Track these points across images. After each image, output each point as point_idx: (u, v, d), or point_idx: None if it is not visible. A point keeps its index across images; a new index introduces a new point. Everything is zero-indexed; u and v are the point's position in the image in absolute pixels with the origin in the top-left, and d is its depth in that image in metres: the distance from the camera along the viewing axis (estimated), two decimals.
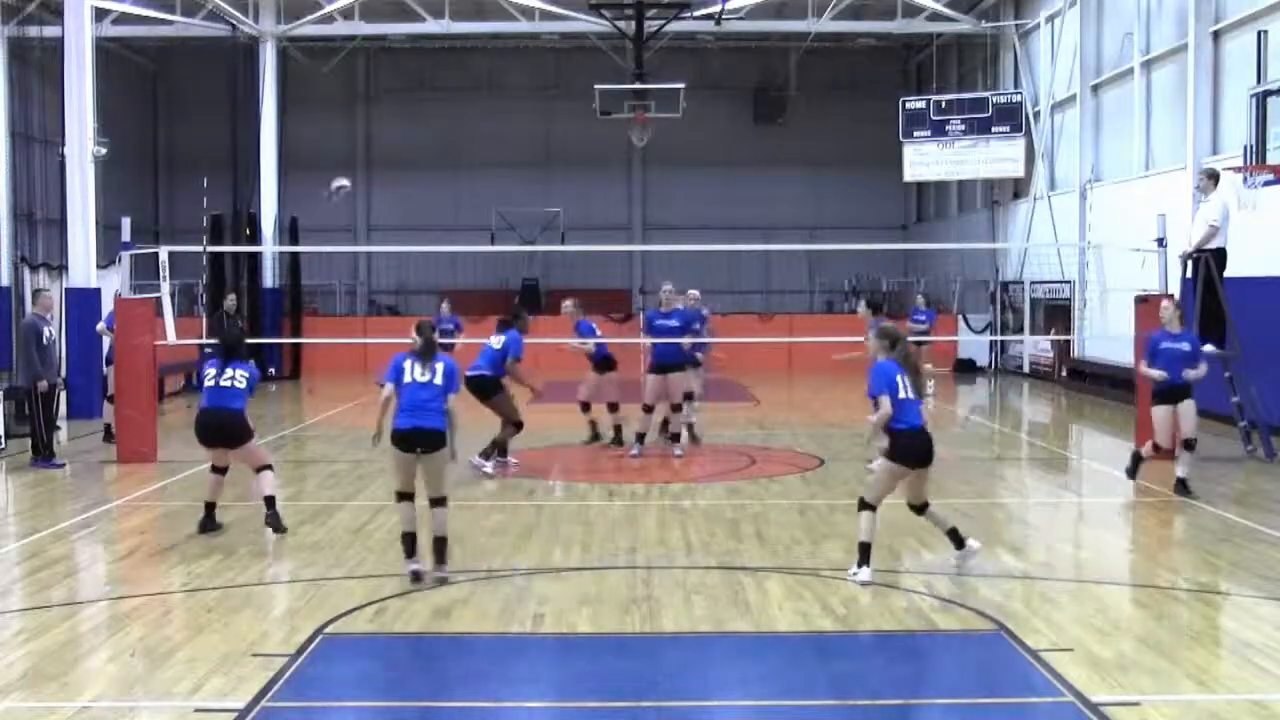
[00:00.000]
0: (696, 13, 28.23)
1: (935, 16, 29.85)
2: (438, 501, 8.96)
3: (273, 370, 28.04)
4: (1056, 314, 26.49)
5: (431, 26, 29.94)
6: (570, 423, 18.63)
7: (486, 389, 13.85)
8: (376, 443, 9.28)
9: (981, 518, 11.40)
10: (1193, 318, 14.99)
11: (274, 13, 30.17)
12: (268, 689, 6.53)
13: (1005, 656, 7.18)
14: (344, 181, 19.51)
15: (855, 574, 8.76)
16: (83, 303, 19.19)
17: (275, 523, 10.46)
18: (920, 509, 9.05)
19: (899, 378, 8.74)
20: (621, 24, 27.30)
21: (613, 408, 15.82)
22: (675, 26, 28.44)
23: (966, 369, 29.18)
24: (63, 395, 17.45)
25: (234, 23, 28.68)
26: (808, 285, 35.93)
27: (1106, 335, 22.27)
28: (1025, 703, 6.51)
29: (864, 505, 8.86)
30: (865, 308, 14.51)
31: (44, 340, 14.59)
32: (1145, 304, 15.20)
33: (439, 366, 9.04)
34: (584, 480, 13.75)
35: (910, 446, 8.72)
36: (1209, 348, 14.90)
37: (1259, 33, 17.98)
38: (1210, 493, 12.44)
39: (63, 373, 18.31)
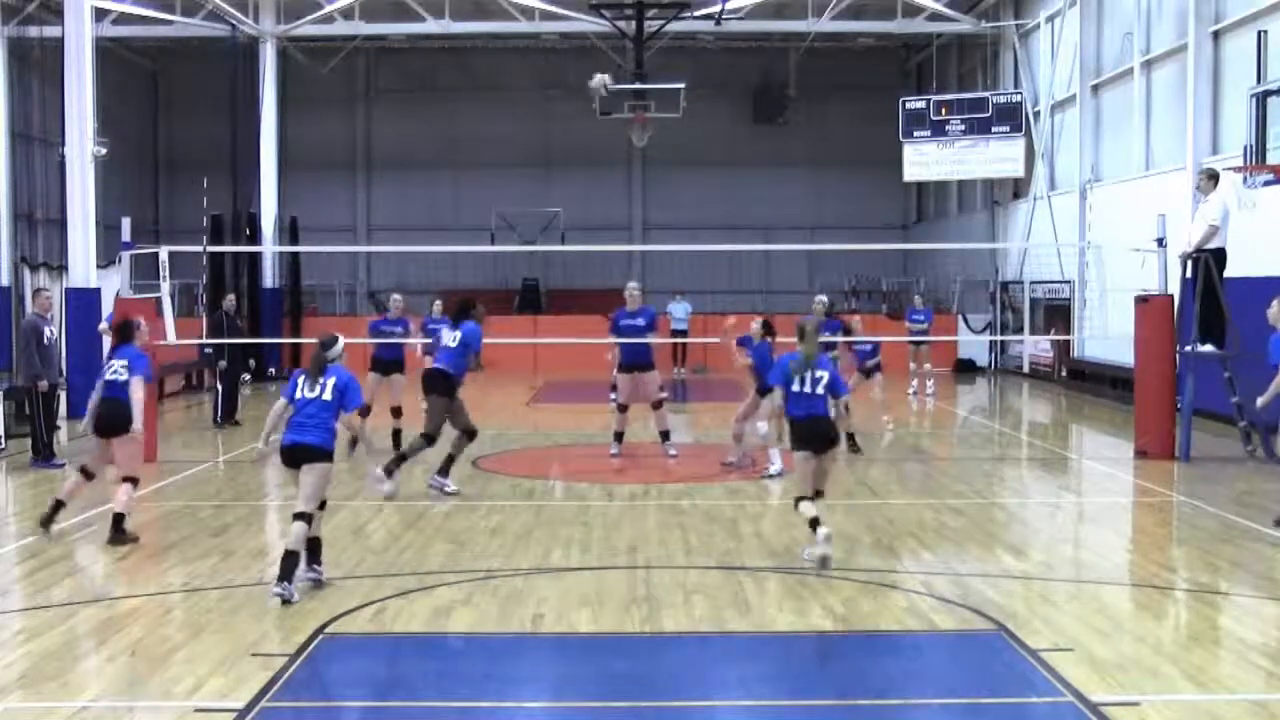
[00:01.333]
0: (696, 13, 28.22)
1: (935, 16, 29.85)
2: (300, 516, 8.55)
3: (272, 370, 28.04)
4: (1056, 314, 26.48)
5: (431, 26, 29.94)
6: (570, 424, 18.71)
7: (436, 385, 12.70)
8: (258, 458, 8.91)
9: (981, 518, 11.41)
10: (1192, 318, 15.00)
11: (274, 13, 30.17)
12: (268, 689, 6.53)
13: (1005, 656, 7.18)
14: (603, 78, 19.08)
15: (812, 548, 9.28)
16: (83, 303, 19.18)
17: (119, 539, 10.18)
18: (816, 495, 9.57)
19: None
20: (621, 24, 27.29)
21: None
22: (675, 26, 28.42)
23: (966, 369, 29.18)
24: (63, 395, 17.44)
25: (234, 23, 28.67)
26: (808, 285, 35.89)
27: (1106, 335, 22.25)
28: (1025, 703, 6.51)
29: (799, 500, 9.55)
30: (760, 327, 13.60)
31: (44, 340, 14.59)
32: (1145, 304, 15.20)
33: (329, 382, 8.85)
34: (584, 480, 13.75)
35: (802, 432, 9.46)
36: (1208, 348, 14.93)
37: (1259, 33, 17.98)
38: (1210, 493, 12.44)
39: (63, 373, 18.32)
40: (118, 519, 10.36)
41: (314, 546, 8.74)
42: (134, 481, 10.58)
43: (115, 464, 10.62)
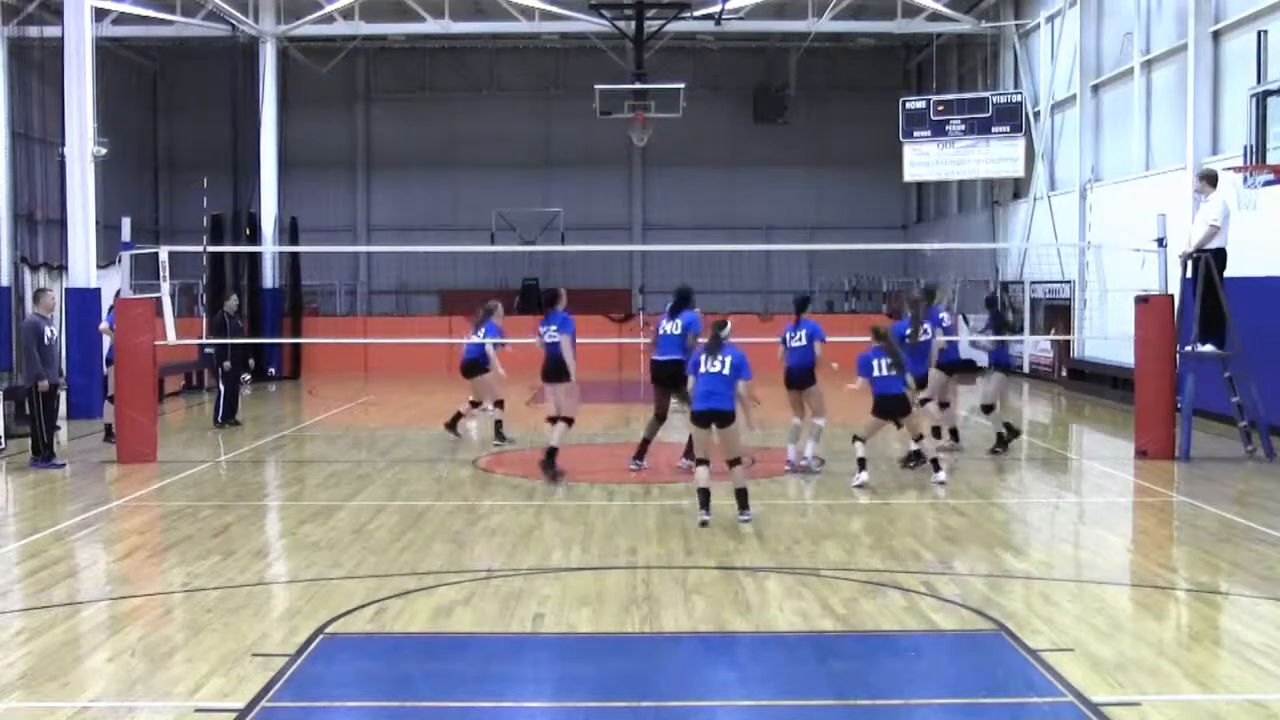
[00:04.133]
0: (696, 13, 28.23)
1: (935, 16, 29.84)
2: (734, 462, 10.97)
3: (272, 370, 28.05)
4: (1056, 314, 26.49)
5: (431, 26, 29.94)
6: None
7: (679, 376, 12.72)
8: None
9: (981, 518, 11.41)
10: (1192, 318, 15.00)
11: (274, 13, 30.15)
12: (268, 689, 6.53)
13: (1005, 656, 7.18)
14: None
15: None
16: (83, 303, 19.19)
17: (549, 472, 13.11)
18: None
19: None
20: (621, 24, 27.32)
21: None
22: (675, 26, 28.45)
23: (966, 369, 29.09)
24: (63, 395, 17.45)
25: (234, 23, 28.67)
26: (808, 285, 35.93)
27: (1106, 335, 22.26)
28: (1025, 703, 6.51)
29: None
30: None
31: (45, 340, 14.59)
32: (1145, 304, 15.21)
33: (727, 359, 10.96)
34: (584, 480, 13.74)
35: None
36: (1209, 348, 14.93)
37: (1259, 33, 17.98)
38: (1210, 493, 12.44)
39: (63, 373, 18.33)
40: (551, 452, 13.24)
41: (741, 496, 10.97)
42: (569, 421, 13.43)
43: (557, 407, 13.46)
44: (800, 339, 13.71)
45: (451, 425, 16.81)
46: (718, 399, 10.91)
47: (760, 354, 15.69)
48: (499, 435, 16.61)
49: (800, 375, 13.74)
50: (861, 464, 12.93)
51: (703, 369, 11.03)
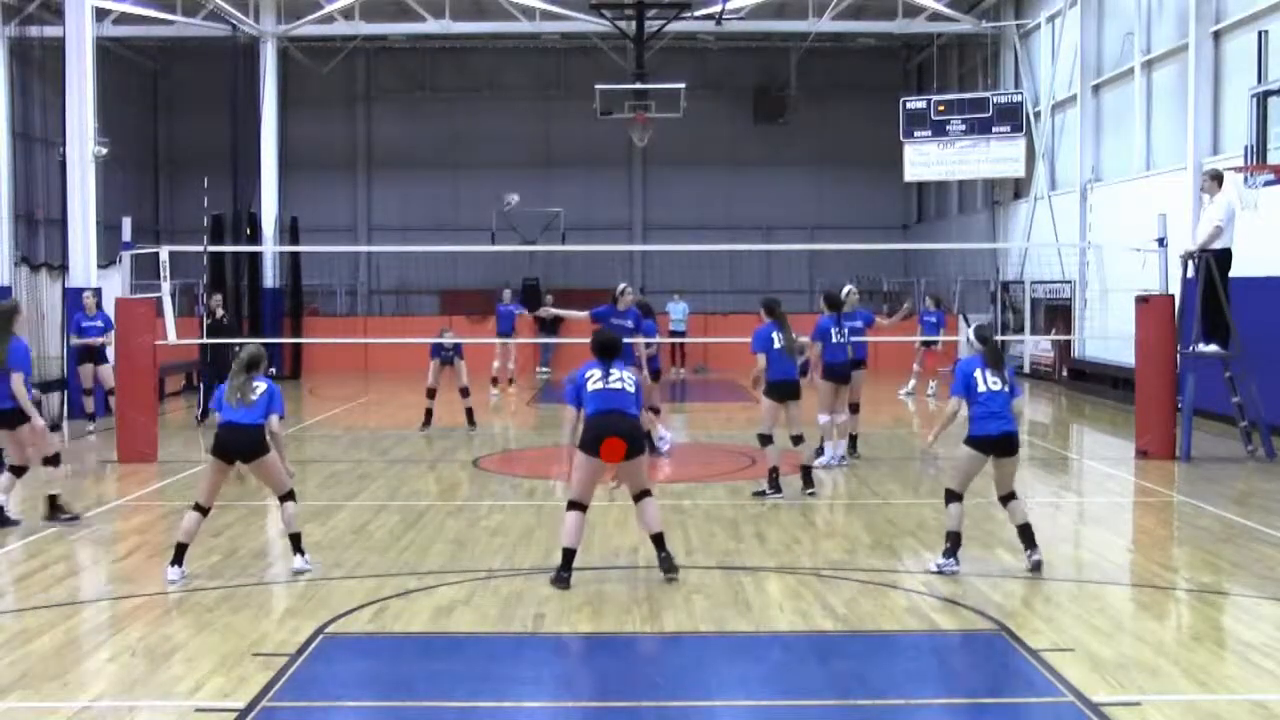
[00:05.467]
0: (696, 13, 28.23)
1: (935, 16, 29.82)
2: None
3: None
4: (1057, 314, 26.49)
5: (431, 26, 29.93)
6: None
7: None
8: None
9: (981, 518, 11.40)
10: (1193, 318, 15.00)
11: (274, 13, 30.15)
12: (268, 689, 6.53)
13: (1005, 656, 7.19)
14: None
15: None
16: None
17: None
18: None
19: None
20: (622, 24, 27.32)
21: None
22: (675, 26, 28.44)
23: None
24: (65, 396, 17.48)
25: (234, 23, 28.65)
26: (808, 285, 35.94)
27: (1107, 335, 22.26)
28: (1025, 703, 6.52)
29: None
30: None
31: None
32: (1146, 304, 15.22)
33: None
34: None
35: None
36: (1213, 348, 14.93)
37: (1259, 33, 17.97)
38: (1210, 493, 12.44)
39: (61, 373, 18.38)
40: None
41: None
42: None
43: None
44: (851, 332, 13.89)
45: (470, 420, 18.04)
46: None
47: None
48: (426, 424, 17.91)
49: (853, 368, 14.01)
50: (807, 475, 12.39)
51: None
